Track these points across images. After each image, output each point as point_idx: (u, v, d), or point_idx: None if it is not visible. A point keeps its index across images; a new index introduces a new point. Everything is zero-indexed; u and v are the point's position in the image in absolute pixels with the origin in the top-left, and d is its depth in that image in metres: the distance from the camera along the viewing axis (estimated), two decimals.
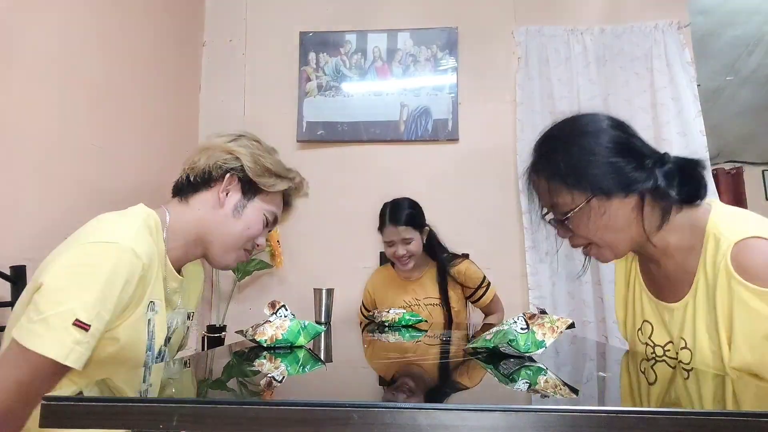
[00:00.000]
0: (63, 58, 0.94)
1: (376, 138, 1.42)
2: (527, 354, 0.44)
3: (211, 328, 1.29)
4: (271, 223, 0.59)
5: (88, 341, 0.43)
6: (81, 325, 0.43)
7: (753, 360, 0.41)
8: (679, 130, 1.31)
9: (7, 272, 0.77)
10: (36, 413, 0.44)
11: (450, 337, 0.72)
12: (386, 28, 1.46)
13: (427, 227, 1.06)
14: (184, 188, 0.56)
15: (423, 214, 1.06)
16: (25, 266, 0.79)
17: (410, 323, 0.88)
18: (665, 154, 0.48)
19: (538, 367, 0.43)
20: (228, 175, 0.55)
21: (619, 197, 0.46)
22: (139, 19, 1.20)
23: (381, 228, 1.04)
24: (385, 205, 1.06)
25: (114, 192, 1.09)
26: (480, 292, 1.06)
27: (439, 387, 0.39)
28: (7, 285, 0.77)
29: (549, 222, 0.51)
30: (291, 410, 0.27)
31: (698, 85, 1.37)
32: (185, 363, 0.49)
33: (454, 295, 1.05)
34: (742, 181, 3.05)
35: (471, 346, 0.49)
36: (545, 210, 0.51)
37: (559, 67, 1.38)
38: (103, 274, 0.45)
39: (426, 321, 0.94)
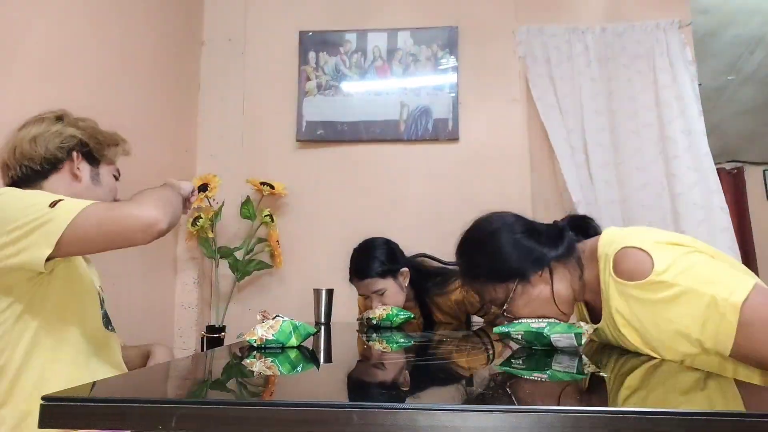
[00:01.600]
0: (61, 57, 0.94)
1: (376, 138, 1.42)
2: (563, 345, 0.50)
3: (211, 329, 1.29)
4: (118, 177, 0.66)
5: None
6: (55, 202, 0.48)
7: (665, 343, 0.46)
8: (683, 129, 1.31)
9: None
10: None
11: (449, 338, 0.72)
12: (386, 28, 1.46)
13: (404, 270, 0.92)
14: (32, 178, 0.58)
15: (396, 255, 0.93)
16: None
17: (399, 320, 0.83)
18: (554, 222, 0.59)
19: (538, 366, 0.43)
20: (74, 152, 0.60)
21: (537, 275, 0.54)
22: (138, 19, 1.19)
23: (350, 281, 0.93)
24: (354, 251, 0.95)
25: None
26: (482, 311, 0.99)
27: (438, 387, 0.39)
28: None
29: (499, 315, 0.58)
30: (291, 411, 0.27)
31: (700, 85, 1.37)
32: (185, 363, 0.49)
33: (454, 315, 0.99)
34: (743, 180, 3.05)
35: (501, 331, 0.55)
36: (488, 308, 0.61)
37: (561, 66, 1.38)
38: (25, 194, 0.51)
39: (415, 318, 0.89)
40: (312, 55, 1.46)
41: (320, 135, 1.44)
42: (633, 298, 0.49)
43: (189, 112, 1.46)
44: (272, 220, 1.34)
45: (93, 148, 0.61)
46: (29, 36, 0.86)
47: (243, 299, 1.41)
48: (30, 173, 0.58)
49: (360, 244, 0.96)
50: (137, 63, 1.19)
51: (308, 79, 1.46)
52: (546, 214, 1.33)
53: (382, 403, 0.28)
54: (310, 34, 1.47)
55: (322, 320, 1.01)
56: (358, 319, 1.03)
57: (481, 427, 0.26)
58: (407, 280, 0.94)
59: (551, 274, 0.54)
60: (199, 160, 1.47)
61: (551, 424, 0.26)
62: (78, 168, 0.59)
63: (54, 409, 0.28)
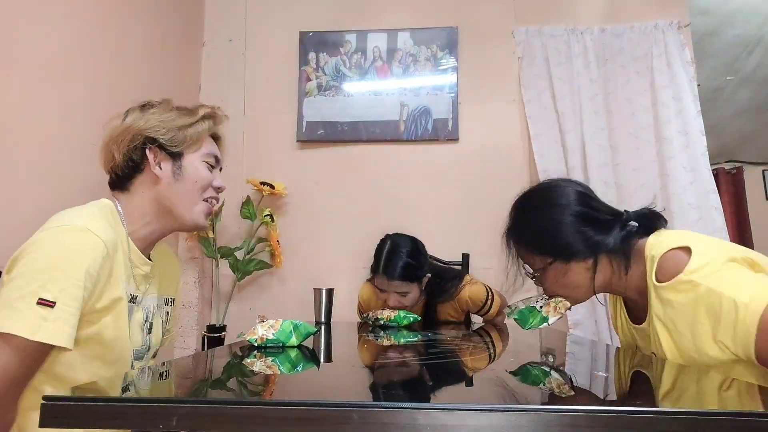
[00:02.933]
0: (62, 57, 0.94)
1: (376, 138, 1.42)
2: (529, 329, 0.58)
3: (211, 328, 1.29)
4: (215, 164, 0.60)
5: (58, 316, 0.44)
6: (45, 303, 0.44)
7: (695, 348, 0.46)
8: (680, 130, 1.31)
9: None
10: (29, 412, 0.45)
11: (449, 337, 0.72)
12: (386, 28, 1.46)
13: (427, 276, 0.92)
14: (120, 182, 0.58)
15: (425, 260, 0.92)
16: None
17: (405, 322, 0.85)
18: (624, 212, 0.56)
19: (538, 366, 0.43)
20: (148, 151, 0.56)
21: (577, 261, 0.54)
22: (138, 19, 1.19)
23: (374, 271, 0.90)
24: (383, 242, 0.93)
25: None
26: (485, 309, 1.01)
27: (438, 386, 0.39)
28: None
29: (526, 274, 0.60)
30: (291, 410, 0.27)
31: (698, 85, 1.37)
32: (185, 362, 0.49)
33: (455, 315, 1.01)
34: (742, 180, 3.05)
35: (510, 313, 0.62)
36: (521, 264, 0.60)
37: (560, 66, 1.38)
38: (60, 253, 0.46)
39: (421, 320, 0.91)
40: (312, 55, 1.46)
41: (320, 135, 1.44)
42: (666, 301, 0.48)
43: None
44: (272, 220, 1.34)
45: (164, 142, 0.55)
46: (29, 36, 0.86)
47: (243, 299, 1.41)
48: (116, 178, 0.57)
49: (392, 242, 0.92)
50: (138, 63, 1.19)
51: (308, 79, 1.46)
52: None
53: (382, 402, 0.28)
54: (311, 34, 1.47)
55: (323, 320, 1.01)
56: (363, 317, 1.02)
57: (480, 426, 0.26)
58: (424, 285, 0.94)
59: (595, 264, 0.52)
60: None
61: (550, 423, 0.26)
62: (158, 166, 0.55)
63: (55, 408, 0.28)
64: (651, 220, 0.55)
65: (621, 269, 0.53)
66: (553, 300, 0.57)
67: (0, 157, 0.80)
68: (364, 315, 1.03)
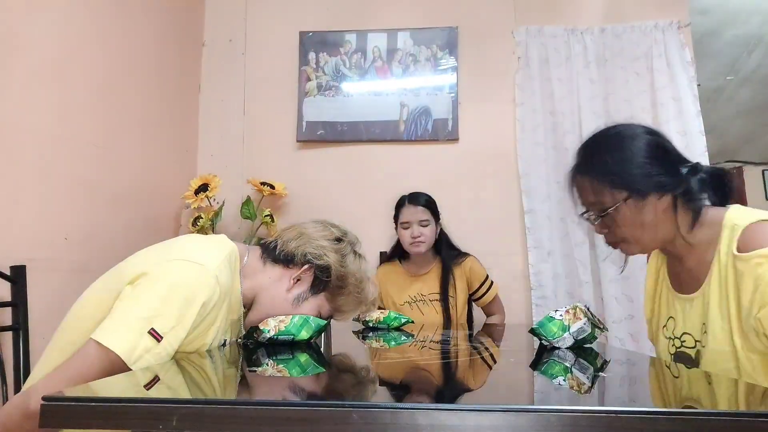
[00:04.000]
0: (63, 58, 0.94)
1: (376, 138, 1.42)
2: (554, 340, 0.52)
3: None
4: (325, 319, 0.61)
5: (158, 353, 0.45)
6: (155, 335, 0.45)
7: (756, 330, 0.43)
8: (679, 130, 1.31)
9: (7, 272, 0.77)
10: None
11: (450, 337, 0.72)
12: (386, 28, 1.46)
13: (440, 223, 1.10)
14: (269, 253, 0.59)
15: (437, 209, 1.10)
16: (25, 266, 0.79)
17: (395, 324, 0.83)
18: (698, 163, 0.53)
19: (539, 366, 0.43)
20: (307, 266, 0.58)
21: (653, 199, 0.50)
22: (139, 19, 1.19)
23: (398, 209, 1.08)
24: (404, 195, 1.11)
25: (114, 192, 1.09)
26: (483, 289, 1.07)
27: (439, 387, 0.39)
28: (7, 285, 0.77)
29: (587, 219, 0.55)
30: (291, 410, 0.27)
31: (698, 85, 1.37)
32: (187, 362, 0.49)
33: (460, 293, 1.06)
34: (742, 180, 3.05)
35: (539, 330, 0.55)
36: (584, 209, 0.55)
37: (560, 67, 1.38)
38: (186, 290, 0.47)
39: (413, 322, 0.89)
40: (312, 55, 1.47)
41: (320, 135, 1.44)
42: (740, 272, 0.46)
43: (190, 113, 1.46)
44: (272, 220, 1.34)
45: (329, 281, 0.58)
46: (31, 37, 0.86)
47: None
48: (272, 249, 0.59)
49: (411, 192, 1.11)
50: (138, 63, 1.19)
51: (308, 79, 1.46)
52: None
53: (382, 402, 0.28)
54: (310, 34, 1.47)
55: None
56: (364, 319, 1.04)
57: (480, 426, 0.26)
58: (437, 232, 1.09)
59: (674, 204, 0.50)
60: (200, 160, 1.47)
61: (550, 423, 0.26)
62: (299, 279, 0.57)
63: (55, 408, 0.28)
64: (722, 182, 0.52)
65: (688, 223, 0.50)
66: (572, 309, 0.52)
67: (0, 156, 0.80)
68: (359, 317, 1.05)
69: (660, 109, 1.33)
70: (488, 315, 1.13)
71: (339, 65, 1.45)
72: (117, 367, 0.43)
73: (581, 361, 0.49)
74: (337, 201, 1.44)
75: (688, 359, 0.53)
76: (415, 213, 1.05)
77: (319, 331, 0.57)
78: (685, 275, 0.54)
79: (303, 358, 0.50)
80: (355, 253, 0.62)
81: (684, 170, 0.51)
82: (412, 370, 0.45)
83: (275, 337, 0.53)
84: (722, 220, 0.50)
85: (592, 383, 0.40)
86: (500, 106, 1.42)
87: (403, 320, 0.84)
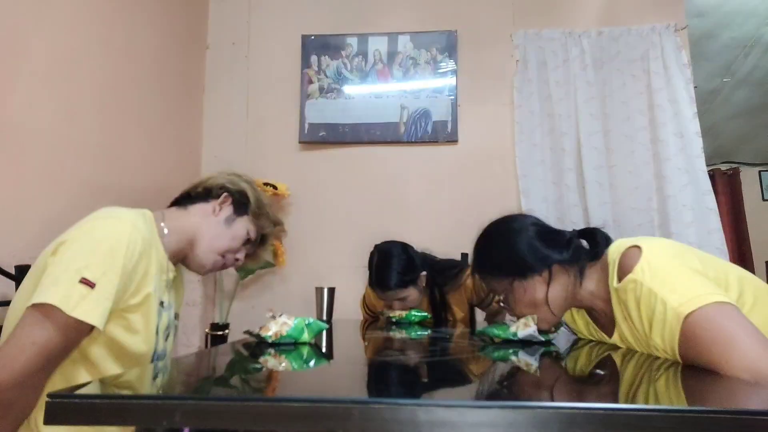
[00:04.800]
0: (68, 60, 0.95)
1: (377, 139, 1.43)
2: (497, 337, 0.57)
3: (215, 326, 1.30)
4: (251, 242, 0.65)
5: (96, 298, 0.46)
6: (87, 282, 0.46)
7: (667, 341, 0.45)
8: (675, 131, 1.32)
9: (12, 271, 0.77)
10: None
11: (451, 336, 0.72)
12: (387, 32, 1.47)
13: (422, 274, 0.96)
14: (184, 200, 0.64)
15: (415, 262, 0.95)
16: (29, 265, 0.79)
17: (416, 320, 0.90)
18: (571, 231, 0.60)
19: (539, 364, 0.44)
20: (225, 194, 0.64)
21: (535, 276, 0.56)
22: (144, 23, 1.21)
23: (370, 285, 0.96)
24: (372, 255, 0.96)
25: (118, 192, 1.10)
26: (488, 299, 1.02)
27: (439, 383, 0.40)
28: (12, 284, 0.77)
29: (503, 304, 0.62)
30: (292, 406, 0.27)
31: (695, 87, 1.39)
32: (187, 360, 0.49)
33: (459, 311, 1.02)
34: (738, 181, 3.06)
35: (479, 331, 0.61)
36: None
37: (557, 69, 1.39)
38: (106, 240, 0.49)
39: (431, 318, 0.95)
40: (314, 58, 1.48)
41: (322, 137, 1.45)
42: (623, 302, 0.50)
43: (194, 114, 1.47)
44: None
45: (248, 204, 0.64)
46: (36, 39, 0.87)
47: (246, 297, 1.42)
48: (186, 195, 0.64)
49: (379, 253, 0.96)
50: (143, 66, 1.20)
51: (310, 82, 1.47)
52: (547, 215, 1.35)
53: (383, 399, 0.28)
54: (313, 37, 1.49)
55: (324, 317, 1.02)
56: (376, 313, 1.04)
57: (479, 422, 0.26)
58: (424, 281, 0.97)
59: (550, 276, 0.55)
60: (204, 161, 1.49)
61: (547, 420, 0.26)
62: (220, 207, 0.62)
63: (59, 405, 0.28)
64: (594, 235, 0.58)
65: (577, 278, 0.55)
66: (522, 320, 0.58)
67: (6, 157, 0.81)
68: (378, 312, 1.05)
69: (656, 111, 1.34)
70: (491, 315, 1.12)
71: (340, 68, 1.46)
72: (61, 320, 0.43)
73: (577, 358, 0.49)
74: (338, 201, 1.45)
75: None
76: (387, 297, 0.93)
77: (320, 332, 0.57)
78: (603, 319, 0.57)
79: (305, 354, 0.50)
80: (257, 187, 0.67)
81: (559, 241, 0.57)
82: (413, 367, 0.46)
83: (276, 342, 0.53)
84: (607, 260, 0.54)
85: (589, 379, 0.40)
86: (499, 108, 1.43)
87: (422, 315, 0.91)
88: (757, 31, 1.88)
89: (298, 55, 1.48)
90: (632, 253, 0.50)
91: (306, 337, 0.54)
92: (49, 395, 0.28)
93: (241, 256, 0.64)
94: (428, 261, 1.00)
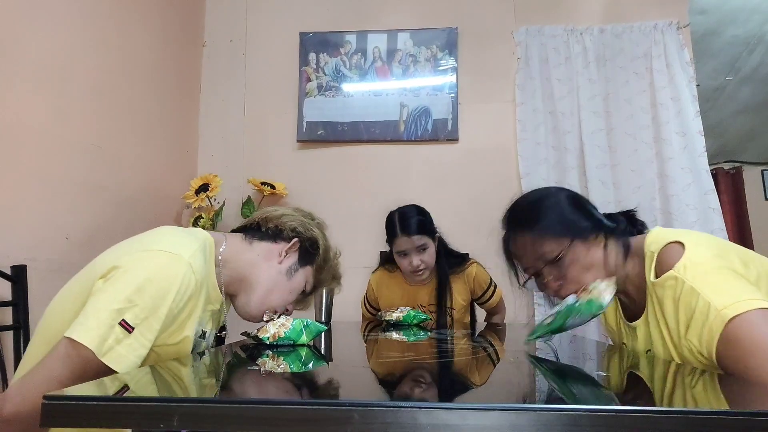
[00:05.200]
0: (63, 58, 0.94)
1: (376, 138, 1.43)
2: (595, 315, 0.52)
3: None
4: (306, 293, 0.62)
5: (130, 344, 0.44)
6: (125, 326, 0.44)
7: (700, 347, 0.45)
8: (678, 130, 1.31)
9: (8, 272, 0.77)
10: None
11: (452, 336, 0.72)
12: (386, 29, 1.46)
13: (437, 234, 1.01)
14: (253, 231, 0.60)
15: (432, 220, 1.01)
16: (26, 266, 0.79)
17: (415, 322, 0.89)
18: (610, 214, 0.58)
19: (538, 365, 0.43)
20: (296, 239, 0.60)
21: (592, 239, 0.54)
22: (140, 20, 1.20)
23: (391, 238, 0.98)
24: (392, 213, 1.01)
25: (115, 192, 1.09)
26: (487, 295, 1.05)
27: (440, 386, 0.40)
28: (8, 284, 0.77)
29: (534, 277, 0.57)
30: (292, 409, 0.27)
31: (698, 85, 1.38)
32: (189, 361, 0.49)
33: (460, 299, 1.03)
34: (741, 180, 3.05)
35: (535, 336, 0.57)
36: (527, 270, 0.58)
37: (559, 67, 1.38)
38: (157, 280, 0.46)
39: (431, 319, 0.95)
40: (312, 56, 1.47)
41: (321, 135, 1.44)
42: (659, 297, 0.48)
43: (190, 113, 1.46)
44: None
45: (315, 254, 0.60)
46: (31, 38, 0.87)
47: None
48: (256, 226, 0.60)
49: (400, 208, 1.01)
50: (138, 64, 1.19)
51: (309, 79, 1.46)
52: None
53: (383, 402, 0.28)
54: (311, 35, 1.47)
55: (323, 319, 1.02)
56: (370, 311, 1.06)
57: (481, 425, 0.26)
58: (436, 249, 1.00)
59: (606, 242, 0.53)
60: (201, 160, 1.47)
61: (550, 422, 0.26)
62: (286, 252, 0.59)
63: (56, 407, 0.28)
64: (633, 216, 0.57)
65: (621, 257, 0.53)
66: (590, 287, 0.53)
67: (0, 157, 0.80)
68: (374, 309, 1.07)
69: (659, 109, 1.33)
70: (489, 315, 1.13)
71: (339, 66, 1.45)
72: (91, 362, 0.42)
73: (579, 358, 0.49)
74: (337, 201, 1.44)
75: None
76: (410, 242, 0.95)
77: (318, 334, 0.57)
78: (630, 304, 0.57)
79: (303, 356, 0.50)
80: (323, 231, 0.65)
81: (602, 214, 0.56)
82: (413, 369, 0.45)
83: (275, 344, 0.53)
84: (643, 248, 0.53)
85: (593, 382, 0.40)
86: (499, 106, 1.42)
87: (421, 317, 0.90)
88: (760, 28, 1.86)
89: (296, 53, 1.47)
90: (674, 250, 0.48)
91: (304, 338, 0.54)
92: (46, 397, 0.28)
93: (291, 307, 0.60)
94: (439, 240, 1.03)
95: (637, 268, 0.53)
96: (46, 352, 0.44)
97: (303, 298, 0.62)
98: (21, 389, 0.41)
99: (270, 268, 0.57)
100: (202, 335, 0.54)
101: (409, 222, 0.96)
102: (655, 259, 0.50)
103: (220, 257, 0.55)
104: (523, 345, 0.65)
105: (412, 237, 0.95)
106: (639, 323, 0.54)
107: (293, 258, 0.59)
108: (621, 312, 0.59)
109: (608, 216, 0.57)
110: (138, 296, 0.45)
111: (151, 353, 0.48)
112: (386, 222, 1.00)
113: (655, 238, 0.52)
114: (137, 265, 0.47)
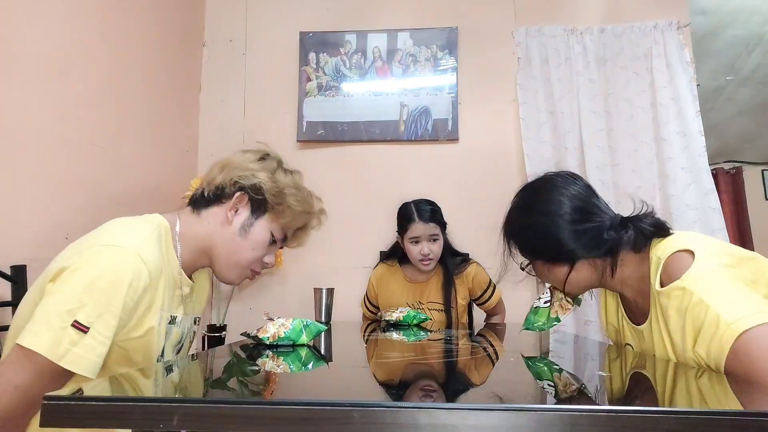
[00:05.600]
0: (63, 57, 0.94)
1: (376, 138, 1.42)
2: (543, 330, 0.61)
3: (212, 328, 1.29)
4: (278, 241, 0.58)
5: (88, 344, 0.43)
6: (79, 327, 0.43)
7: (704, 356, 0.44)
8: (678, 130, 1.31)
9: (8, 272, 0.77)
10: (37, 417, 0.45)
11: (452, 336, 0.72)
12: (386, 28, 1.46)
13: (446, 226, 1.06)
14: (198, 201, 0.56)
15: (444, 219, 1.06)
16: (25, 266, 0.79)
17: (415, 322, 0.89)
18: (614, 216, 0.56)
19: (540, 366, 0.43)
20: (239, 193, 0.55)
21: (556, 263, 0.55)
22: (140, 19, 1.19)
23: (406, 225, 1.02)
24: (406, 203, 1.06)
25: (114, 192, 1.09)
26: (487, 295, 1.06)
27: (440, 386, 0.40)
28: (8, 285, 0.77)
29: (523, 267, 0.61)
30: (292, 409, 0.27)
31: (698, 85, 1.37)
32: (187, 361, 0.49)
33: (459, 299, 1.05)
34: (741, 180, 3.05)
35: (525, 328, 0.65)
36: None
37: (559, 67, 1.38)
38: (106, 275, 0.45)
39: (430, 320, 0.95)
40: (312, 55, 1.47)
41: (321, 135, 1.44)
42: (664, 306, 0.47)
43: (190, 113, 1.46)
44: None
45: (267, 199, 0.55)
46: (31, 37, 0.86)
47: (244, 299, 1.41)
48: (200, 195, 0.56)
49: (415, 200, 1.06)
50: (138, 63, 1.19)
51: (309, 79, 1.46)
52: None
53: (383, 402, 0.28)
54: (311, 34, 1.47)
55: (323, 319, 1.02)
56: (371, 310, 1.07)
57: (481, 425, 0.26)
58: (443, 242, 1.05)
59: (572, 267, 0.54)
60: (200, 160, 1.47)
61: (550, 422, 0.26)
62: (234, 210, 0.54)
63: (56, 407, 0.28)
64: (640, 226, 0.53)
65: (607, 271, 0.53)
66: (556, 299, 0.59)
67: (1, 156, 0.80)
68: (375, 308, 1.08)
69: (659, 109, 1.33)
70: (489, 315, 1.13)
71: (339, 65, 1.45)
72: (47, 368, 0.41)
73: (580, 359, 0.49)
74: (337, 201, 1.44)
75: None
76: (425, 229, 1.00)
77: (318, 334, 0.57)
78: (633, 306, 0.56)
79: (303, 356, 0.50)
80: (284, 169, 0.59)
81: (603, 230, 0.52)
82: (414, 370, 0.45)
83: (274, 344, 0.53)
84: (649, 254, 0.51)
85: (592, 382, 0.40)
86: (500, 106, 1.42)
87: (421, 317, 0.90)
88: (760, 28, 1.86)
89: (296, 53, 1.47)
90: (682, 259, 0.47)
91: (304, 338, 0.54)
92: (46, 397, 0.28)
93: (270, 259, 0.57)
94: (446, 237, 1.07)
95: (637, 274, 0.52)
96: None
97: (280, 247, 0.58)
98: None
99: (224, 232, 0.54)
100: (173, 321, 0.52)
101: (425, 210, 1.02)
102: (661, 267, 0.48)
103: (177, 237, 0.52)
104: (522, 345, 0.65)
105: (427, 224, 1.00)
106: (645, 326, 0.53)
107: (244, 214, 0.54)
108: (624, 312, 0.58)
109: (621, 222, 0.53)
110: (88, 295, 0.43)
111: (117, 349, 0.46)
112: (400, 211, 1.05)
113: (662, 244, 0.50)
114: (84, 264, 0.45)
